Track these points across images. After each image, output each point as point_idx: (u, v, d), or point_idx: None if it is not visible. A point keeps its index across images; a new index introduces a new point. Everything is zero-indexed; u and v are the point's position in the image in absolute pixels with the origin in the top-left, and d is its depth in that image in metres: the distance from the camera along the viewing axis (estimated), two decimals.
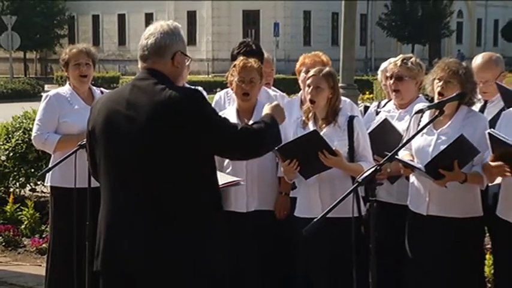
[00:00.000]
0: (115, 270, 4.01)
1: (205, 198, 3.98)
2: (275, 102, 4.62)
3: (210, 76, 46.30)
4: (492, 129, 4.91)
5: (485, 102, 5.94)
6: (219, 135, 3.95)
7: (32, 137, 6.50)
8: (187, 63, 4.25)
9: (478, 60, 5.97)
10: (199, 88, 6.69)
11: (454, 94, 5.03)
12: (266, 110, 4.44)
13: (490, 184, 5.35)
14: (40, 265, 7.78)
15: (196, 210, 3.94)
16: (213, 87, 25.24)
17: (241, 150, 4.10)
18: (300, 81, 6.16)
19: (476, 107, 5.80)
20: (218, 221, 4.08)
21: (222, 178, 4.82)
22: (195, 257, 3.92)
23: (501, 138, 4.75)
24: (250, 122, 5.65)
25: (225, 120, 4.12)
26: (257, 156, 4.41)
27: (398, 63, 5.86)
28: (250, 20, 57.41)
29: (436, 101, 5.13)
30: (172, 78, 4.04)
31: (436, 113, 4.80)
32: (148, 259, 3.89)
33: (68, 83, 6.43)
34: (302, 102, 5.97)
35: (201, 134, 3.87)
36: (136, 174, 3.92)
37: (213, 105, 6.57)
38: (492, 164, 4.86)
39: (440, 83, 5.24)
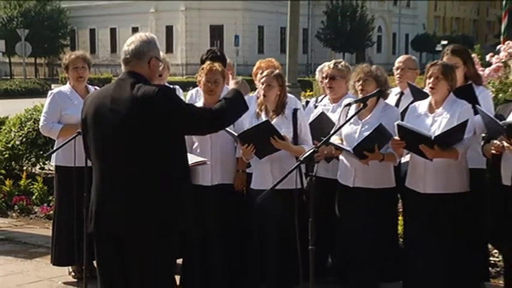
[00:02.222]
0: (104, 232, 3.98)
1: (177, 174, 3.95)
2: (239, 78, 4.54)
3: (184, 77, 45.83)
4: (400, 121, 5.01)
5: (400, 95, 6.01)
6: (186, 115, 3.92)
7: (39, 126, 6.42)
8: (160, 68, 4.20)
9: (400, 56, 6.30)
10: (177, 87, 6.68)
11: (374, 91, 5.07)
12: (231, 85, 4.38)
13: (402, 162, 5.40)
14: (48, 228, 7.69)
15: (169, 184, 3.90)
16: (186, 86, 25.00)
17: (205, 125, 4.06)
18: (256, 82, 6.13)
19: (393, 100, 5.88)
20: (188, 191, 4.06)
21: (191, 158, 4.77)
22: (168, 221, 3.90)
23: (406, 126, 4.90)
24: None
25: (191, 104, 4.11)
26: (220, 128, 4.33)
27: (331, 66, 5.91)
28: (216, 33, 57.30)
29: (360, 97, 5.16)
30: (149, 78, 3.99)
31: (361, 106, 4.82)
32: (130, 223, 3.86)
33: (68, 82, 6.34)
34: (258, 98, 5.95)
35: (172, 117, 3.84)
36: (119, 155, 3.88)
37: (187, 99, 6.56)
38: (395, 138, 4.97)
39: (360, 83, 5.30)
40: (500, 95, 7.46)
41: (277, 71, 5.64)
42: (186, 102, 6.06)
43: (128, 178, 3.87)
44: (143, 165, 3.86)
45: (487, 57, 8.12)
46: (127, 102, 3.83)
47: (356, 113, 4.93)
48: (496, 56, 7.92)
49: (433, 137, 4.78)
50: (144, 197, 3.86)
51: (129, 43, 4.04)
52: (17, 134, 9.41)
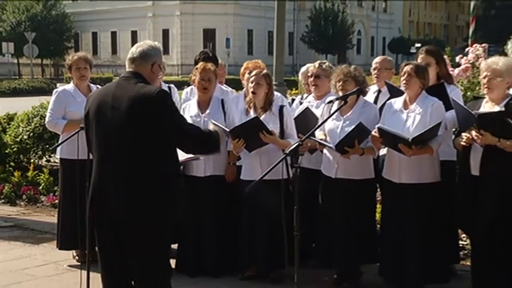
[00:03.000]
0: (105, 223, 3.95)
1: (168, 167, 3.91)
2: (219, 129, 4.53)
3: (179, 77, 45.66)
4: (380, 124, 5.02)
5: (378, 93, 6.01)
6: (174, 127, 3.86)
7: (45, 122, 6.37)
8: (159, 76, 4.17)
9: (377, 57, 6.25)
10: (172, 85, 6.65)
11: (354, 89, 5.07)
12: (212, 127, 4.40)
13: (380, 155, 5.41)
14: (54, 216, 7.65)
15: (161, 175, 3.85)
16: (181, 84, 24.85)
17: (188, 144, 4.02)
18: (244, 81, 6.11)
19: (372, 97, 5.88)
20: (178, 183, 4.03)
21: (186, 154, 4.72)
22: (166, 216, 3.89)
23: (386, 129, 4.92)
24: (207, 112, 5.64)
25: (183, 117, 4.08)
26: (199, 153, 4.45)
27: (317, 66, 5.91)
28: (209, 36, 57.11)
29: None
30: (149, 80, 3.95)
31: (342, 103, 4.81)
32: (131, 218, 3.82)
33: (72, 81, 6.29)
34: (245, 96, 5.94)
35: (164, 124, 3.79)
36: (118, 149, 3.84)
37: (182, 97, 6.54)
38: (373, 134, 5.01)
39: (340, 83, 5.31)
40: (469, 93, 7.49)
41: (265, 70, 5.66)
42: (182, 103, 6.07)
43: (129, 175, 3.82)
44: (143, 162, 3.81)
45: (457, 59, 8.15)
46: (128, 100, 3.79)
47: (337, 110, 4.92)
48: (465, 58, 7.97)
49: (410, 139, 4.80)
50: (145, 195, 3.81)
51: (137, 46, 4.03)
52: (24, 129, 9.37)
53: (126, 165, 3.83)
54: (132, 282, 4.02)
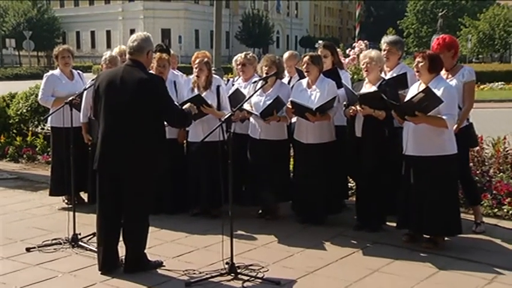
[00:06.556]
0: (106, 170, 3.85)
1: (159, 132, 3.87)
2: (193, 107, 4.39)
3: None
4: (292, 98, 5.01)
5: (290, 79, 5.97)
6: (166, 107, 3.82)
7: (38, 99, 6.13)
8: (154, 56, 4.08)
9: (286, 54, 6.03)
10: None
11: (272, 73, 5.03)
12: (186, 106, 4.31)
13: (292, 122, 5.40)
14: (47, 170, 7.36)
15: (154, 137, 3.82)
16: None
17: (173, 120, 4.00)
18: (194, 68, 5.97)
19: (286, 80, 5.84)
20: (165, 143, 3.97)
21: None
22: (153, 162, 3.84)
23: (296, 102, 4.94)
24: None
25: (172, 100, 4.03)
26: (179, 127, 4.45)
27: (243, 56, 5.80)
28: (165, 34, 56.04)
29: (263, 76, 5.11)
30: (146, 65, 3.90)
31: (264, 83, 4.78)
32: (129, 164, 3.77)
33: (58, 68, 6.02)
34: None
35: (157, 102, 3.75)
36: (123, 119, 3.76)
37: None
38: (288, 106, 5.02)
39: (266, 68, 5.23)
40: (355, 76, 7.62)
41: (206, 59, 5.53)
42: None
43: (131, 138, 3.75)
44: (142, 129, 3.75)
45: (347, 51, 8.26)
46: (133, 83, 3.71)
47: (260, 87, 4.89)
48: (353, 51, 8.10)
49: (314, 108, 4.82)
50: (142, 153, 3.77)
51: (133, 40, 3.90)
52: (24, 104, 8.98)
53: (128, 130, 3.73)
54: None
